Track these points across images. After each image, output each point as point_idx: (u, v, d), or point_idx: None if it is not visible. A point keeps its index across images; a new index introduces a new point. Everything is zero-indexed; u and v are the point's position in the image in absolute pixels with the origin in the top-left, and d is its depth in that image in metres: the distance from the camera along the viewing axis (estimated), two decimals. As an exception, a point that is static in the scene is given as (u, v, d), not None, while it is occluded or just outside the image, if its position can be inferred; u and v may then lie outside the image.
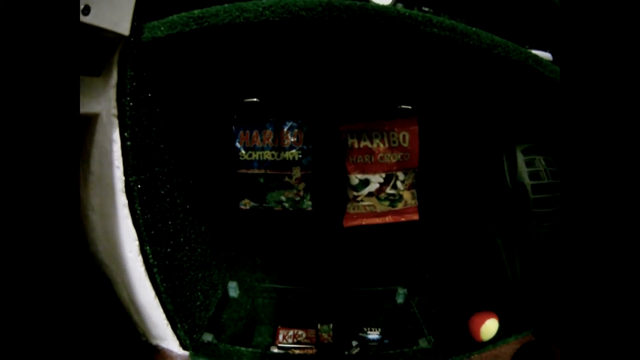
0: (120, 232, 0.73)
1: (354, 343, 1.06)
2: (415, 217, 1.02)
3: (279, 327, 1.13)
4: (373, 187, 0.96)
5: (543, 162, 0.84)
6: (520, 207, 0.83)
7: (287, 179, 0.94)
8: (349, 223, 1.00)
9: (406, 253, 1.16)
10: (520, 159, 0.85)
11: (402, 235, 1.11)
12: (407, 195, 1.00)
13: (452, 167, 1.06)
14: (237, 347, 0.93)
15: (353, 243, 1.12)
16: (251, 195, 0.97)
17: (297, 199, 0.95)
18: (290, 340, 1.09)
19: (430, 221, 1.07)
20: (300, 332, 1.12)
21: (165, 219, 0.80)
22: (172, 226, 0.82)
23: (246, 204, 0.98)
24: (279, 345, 1.08)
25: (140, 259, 0.75)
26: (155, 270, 0.76)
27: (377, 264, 1.17)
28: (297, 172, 0.92)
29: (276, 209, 0.98)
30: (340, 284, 1.18)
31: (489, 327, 0.93)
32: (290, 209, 0.96)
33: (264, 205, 0.97)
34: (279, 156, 0.92)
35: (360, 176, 0.95)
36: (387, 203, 0.98)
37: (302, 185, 0.94)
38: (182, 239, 0.87)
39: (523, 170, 0.84)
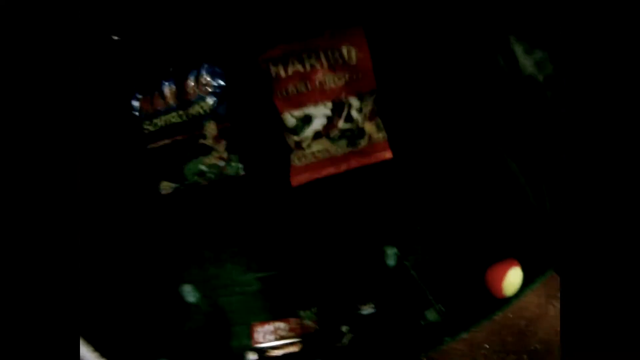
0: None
1: (345, 328, 0.84)
2: (387, 154, 0.79)
3: (252, 324, 0.93)
4: (318, 123, 0.71)
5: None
6: (534, 111, 0.59)
7: (201, 140, 0.68)
8: (298, 180, 0.76)
9: (386, 204, 0.91)
10: (519, 48, 0.60)
11: (377, 183, 0.86)
12: (369, 127, 0.76)
13: (431, 77, 0.79)
14: None
15: (315, 205, 0.87)
16: (167, 174, 0.71)
17: (221, 163, 0.71)
18: (270, 338, 0.88)
19: (410, 157, 0.83)
20: (280, 325, 0.93)
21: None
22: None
23: (166, 188, 0.73)
24: (258, 346, 0.86)
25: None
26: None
27: (352, 224, 0.93)
28: (211, 128, 0.67)
29: (202, 183, 0.73)
30: (313, 257, 0.94)
31: (513, 280, 0.75)
32: (217, 178, 0.71)
33: (185, 183, 0.72)
34: (187, 115, 0.67)
35: (297, 112, 0.70)
36: (344, 143, 0.74)
37: (222, 145, 0.69)
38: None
39: (526, 62, 0.59)
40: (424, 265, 0.89)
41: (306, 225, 0.93)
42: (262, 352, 0.86)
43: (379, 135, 0.75)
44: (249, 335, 0.92)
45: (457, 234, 0.90)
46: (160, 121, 0.68)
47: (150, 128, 0.69)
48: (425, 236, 0.93)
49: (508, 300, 0.74)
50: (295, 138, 0.71)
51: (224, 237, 0.92)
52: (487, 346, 0.76)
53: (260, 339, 0.90)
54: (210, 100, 0.67)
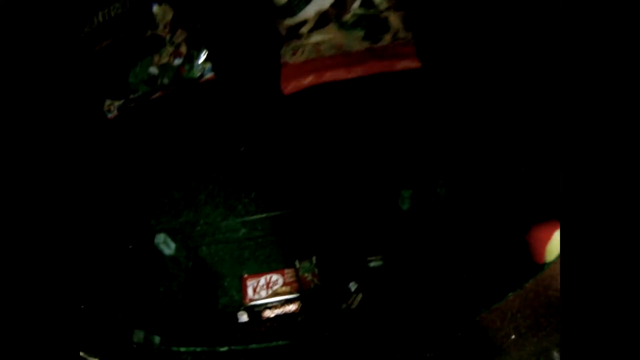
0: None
1: (353, 286, 0.68)
2: (414, 63, 0.58)
3: (245, 275, 0.79)
4: (324, 2, 0.49)
5: None
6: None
7: (150, 31, 0.46)
8: (291, 85, 0.56)
9: (404, 131, 0.70)
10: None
11: (395, 100, 0.64)
12: (394, 19, 0.55)
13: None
14: (177, 349, 0.55)
15: (314, 124, 0.66)
16: (109, 89, 0.50)
17: (178, 62, 0.49)
18: (263, 293, 0.77)
19: (443, 69, 0.61)
20: (274, 278, 0.79)
21: None
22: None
23: (109, 107, 0.52)
24: (250, 304, 0.73)
25: None
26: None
27: (362, 154, 0.73)
28: (164, 12, 0.44)
29: (154, 96, 0.51)
30: (311, 195, 0.78)
31: (556, 243, 0.62)
32: (174, 86, 0.50)
33: (132, 96, 0.50)
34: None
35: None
36: (359, 33, 0.52)
37: (181, 35, 0.47)
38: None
39: None
40: (441, 210, 0.71)
41: (301, 152, 0.74)
42: (254, 312, 0.73)
43: (407, 35, 0.54)
44: (240, 290, 0.77)
45: (493, 178, 0.71)
46: (99, 16, 0.45)
47: (87, 29, 0.46)
48: (453, 177, 0.74)
49: (543, 265, 0.62)
50: (289, 21, 0.50)
51: (196, 171, 0.72)
52: (520, 317, 0.61)
53: (252, 295, 0.75)
54: None
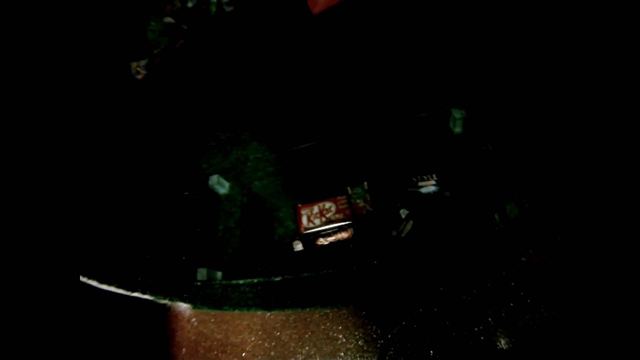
0: None
1: (404, 214, 0.66)
2: None
3: (299, 205, 0.80)
4: None
5: None
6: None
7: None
8: (321, 3, 0.50)
9: (456, 43, 0.62)
10: None
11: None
12: None
13: None
14: (237, 282, 0.59)
15: (353, 42, 0.61)
16: (131, 50, 0.49)
17: (191, 3, 0.46)
18: (317, 222, 0.76)
19: None
20: (327, 205, 0.79)
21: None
22: None
23: (137, 69, 0.52)
24: (305, 232, 0.73)
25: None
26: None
27: (409, 73, 0.66)
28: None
29: (178, 45, 0.50)
30: (358, 119, 0.72)
31: None
32: (194, 28, 0.48)
33: (155, 51, 0.49)
34: None
35: None
36: None
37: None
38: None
39: None
40: (499, 134, 0.63)
41: (342, 72, 0.69)
42: (309, 240, 0.73)
43: None
44: (295, 220, 0.79)
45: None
46: None
47: None
48: (504, 95, 0.64)
49: None
50: None
51: (236, 110, 0.71)
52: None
53: (306, 223, 0.76)
54: None
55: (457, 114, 0.69)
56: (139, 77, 0.55)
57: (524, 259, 0.52)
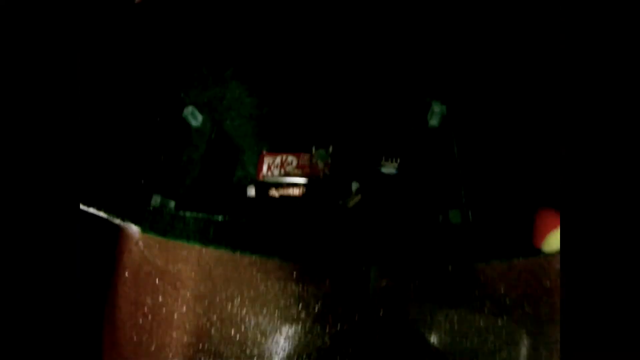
0: None
1: (354, 186, 0.70)
2: None
3: (263, 152, 0.83)
4: None
5: None
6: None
7: None
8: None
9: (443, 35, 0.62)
10: None
11: None
12: None
13: None
14: (183, 214, 0.65)
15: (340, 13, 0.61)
16: None
17: None
18: (276, 172, 0.79)
19: None
20: (290, 159, 0.81)
21: None
22: None
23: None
24: (262, 179, 0.78)
25: None
26: None
27: (391, 57, 0.67)
28: None
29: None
30: (337, 85, 0.74)
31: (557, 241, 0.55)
32: None
33: None
34: None
35: None
36: None
37: None
38: None
39: None
40: (468, 147, 0.66)
41: (327, 42, 0.69)
42: (262, 188, 0.77)
43: None
44: (256, 165, 0.83)
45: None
46: None
47: None
48: (487, 94, 0.65)
49: (538, 252, 0.56)
50: None
51: (223, 48, 0.72)
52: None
53: (265, 172, 0.81)
54: None
55: (436, 107, 0.71)
56: (137, 0, 0.56)
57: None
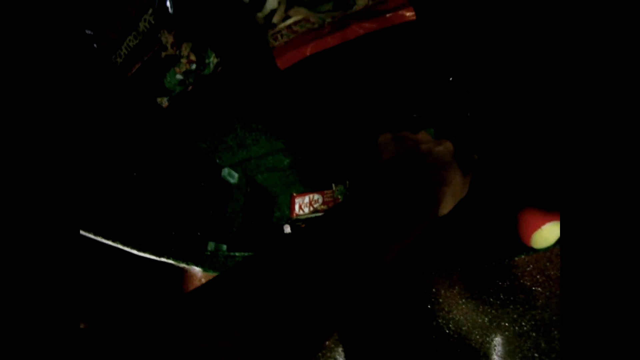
0: None
1: None
2: (408, 13, 0.57)
3: (294, 194, 0.97)
4: None
5: None
6: None
7: (163, 52, 0.63)
8: (285, 62, 0.67)
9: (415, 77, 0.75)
10: None
11: (396, 52, 0.67)
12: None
13: None
14: (234, 254, 0.80)
15: (310, 87, 0.77)
16: (155, 90, 0.70)
17: (193, 66, 0.65)
18: (306, 210, 0.93)
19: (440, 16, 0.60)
20: (316, 197, 0.95)
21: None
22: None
23: (161, 101, 0.72)
24: (296, 217, 0.92)
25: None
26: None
27: (370, 99, 0.81)
28: (167, 37, 0.60)
29: (188, 90, 0.69)
30: (338, 136, 0.89)
31: (546, 235, 0.59)
32: (198, 82, 0.67)
33: (173, 95, 0.70)
34: (139, 34, 0.60)
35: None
36: (327, 6, 0.60)
37: (186, 47, 0.63)
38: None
39: None
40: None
41: (319, 103, 0.85)
42: (296, 225, 0.91)
43: None
44: (289, 206, 0.98)
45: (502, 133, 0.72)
46: (122, 50, 0.62)
47: (119, 60, 0.64)
48: (468, 120, 0.76)
49: (528, 249, 0.61)
50: (260, 15, 0.60)
51: (241, 123, 0.89)
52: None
53: (298, 210, 0.95)
54: (150, 9, 0.58)
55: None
56: (164, 105, 0.75)
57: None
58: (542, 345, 0.64)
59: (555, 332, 0.63)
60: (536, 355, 0.64)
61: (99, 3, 0.60)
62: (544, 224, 0.59)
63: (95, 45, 0.67)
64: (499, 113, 0.74)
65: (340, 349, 0.71)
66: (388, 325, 0.74)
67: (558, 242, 0.60)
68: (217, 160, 0.97)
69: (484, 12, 0.60)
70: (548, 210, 0.60)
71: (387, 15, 0.58)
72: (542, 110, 0.67)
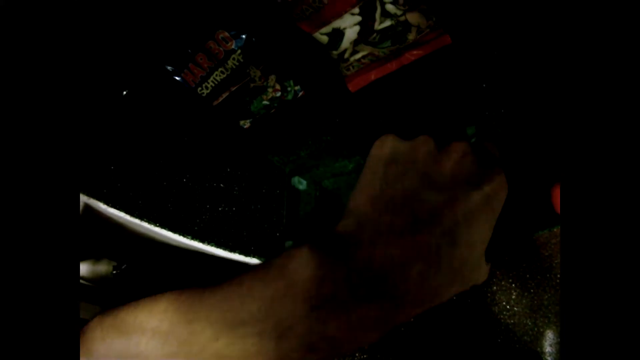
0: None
1: None
2: (445, 39, 0.71)
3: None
4: (352, 33, 0.70)
5: None
6: None
7: (252, 84, 0.76)
8: (354, 86, 0.79)
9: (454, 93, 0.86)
10: None
11: (440, 72, 0.80)
12: (413, 17, 0.70)
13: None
14: None
15: (385, 100, 0.88)
16: (239, 114, 0.84)
17: (278, 93, 0.78)
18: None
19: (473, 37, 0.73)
20: None
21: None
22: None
23: (244, 123, 0.86)
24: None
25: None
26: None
27: (423, 115, 0.92)
28: (255, 72, 0.73)
29: (272, 112, 0.83)
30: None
31: None
32: (281, 106, 0.80)
33: (257, 117, 0.83)
34: (227, 69, 0.74)
35: (325, 29, 0.70)
36: (387, 43, 0.72)
37: (272, 79, 0.75)
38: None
39: None
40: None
41: (380, 116, 0.97)
42: None
43: (429, 23, 0.70)
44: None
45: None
46: (209, 83, 0.76)
47: (205, 91, 0.77)
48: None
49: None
50: (335, 52, 0.72)
51: (311, 139, 1.02)
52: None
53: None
54: (237, 49, 0.71)
55: (469, 131, 0.93)
56: (245, 127, 0.89)
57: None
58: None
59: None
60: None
61: (180, 44, 0.74)
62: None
63: (178, 78, 0.80)
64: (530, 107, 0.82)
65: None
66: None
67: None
68: (287, 171, 1.10)
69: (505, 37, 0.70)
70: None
71: (430, 43, 0.72)
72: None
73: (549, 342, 0.76)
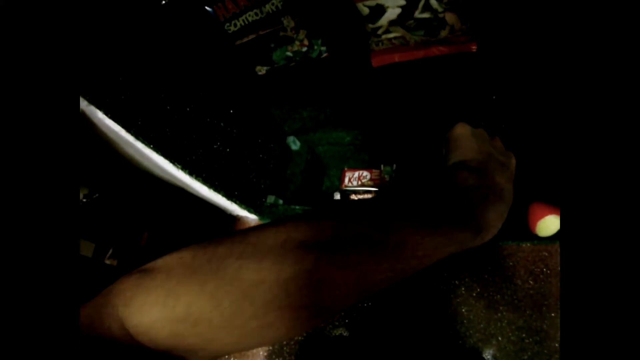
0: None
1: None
2: (472, 46, 0.75)
3: (345, 169, 1.11)
4: (393, 13, 0.72)
5: None
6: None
7: (282, 32, 0.77)
8: (377, 61, 0.82)
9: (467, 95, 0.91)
10: None
11: (458, 73, 0.84)
12: (451, 17, 0.73)
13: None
14: (294, 207, 0.97)
15: (399, 82, 0.91)
16: (258, 60, 0.84)
17: (304, 49, 0.79)
18: (355, 183, 1.08)
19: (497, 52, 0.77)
20: (364, 173, 1.09)
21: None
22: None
23: (260, 70, 0.87)
24: (344, 189, 1.07)
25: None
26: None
27: (432, 107, 0.96)
28: (288, 21, 0.74)
29: (291, 65, 0.84)
30: (396, 125, 1.03)
31: (548, 224, 0.74)
32: (303, 61, 0.82)
33: (275, 66, 0.84)
34: (262, 12, 0.74)
35: (370, 2, 0.71)
36: (421, 32, 0.74)
37: (303, 34, 0.77)
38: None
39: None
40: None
41: (389, 98, 1.00)
42: (345, 194, 1.06)
43: (463, 27, 0.73)
44: (340, 179, 1.12)
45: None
46: (239, 22, 0.76)
47: (233, 28, 0.77)
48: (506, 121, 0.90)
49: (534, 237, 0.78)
50: (371, 25, 0.74)
51: (318, 102, 1.04)
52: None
53: (347, 182, 1.10)
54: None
55: None
56: (260, 74, 0.89)
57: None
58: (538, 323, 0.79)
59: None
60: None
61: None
62: (547, 215, 0.73)
63: (210, 10, 0.80)
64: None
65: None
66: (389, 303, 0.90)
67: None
68: (285, 128, 1.12)
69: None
70: (553, 205, 0.74)
71: (458, 44, 0.76)
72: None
73: (497, 346, 0.83)
